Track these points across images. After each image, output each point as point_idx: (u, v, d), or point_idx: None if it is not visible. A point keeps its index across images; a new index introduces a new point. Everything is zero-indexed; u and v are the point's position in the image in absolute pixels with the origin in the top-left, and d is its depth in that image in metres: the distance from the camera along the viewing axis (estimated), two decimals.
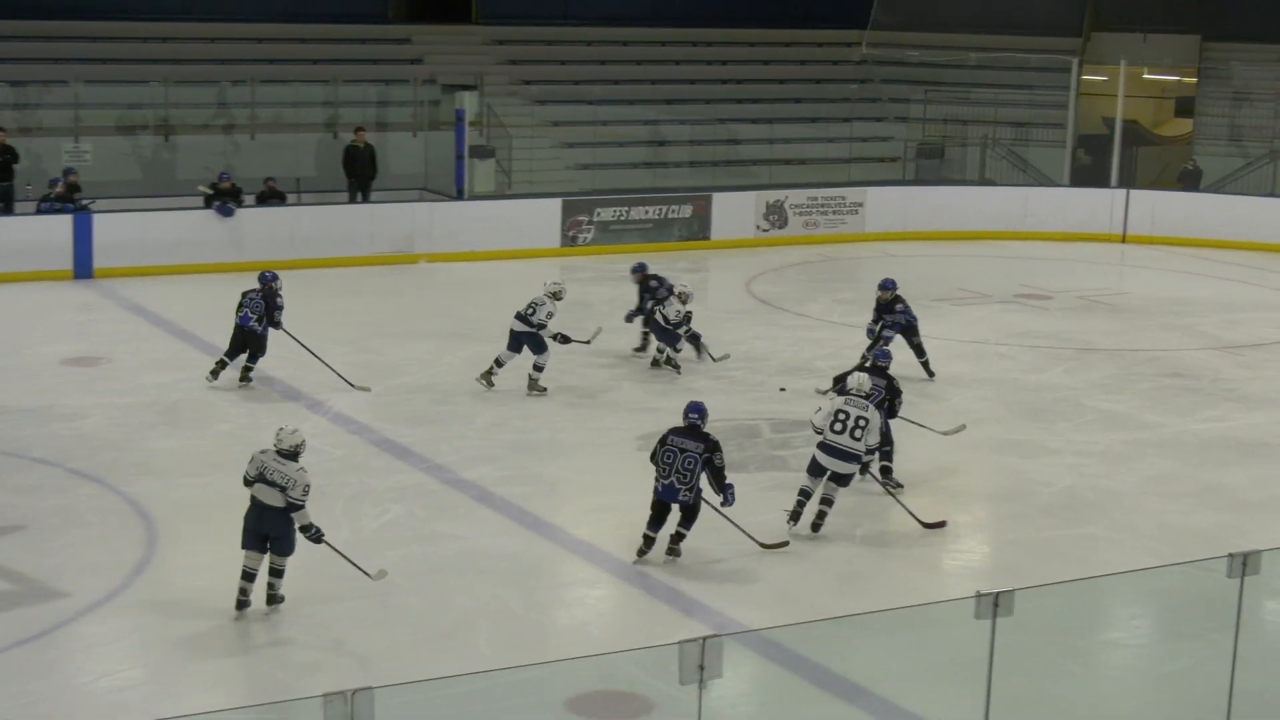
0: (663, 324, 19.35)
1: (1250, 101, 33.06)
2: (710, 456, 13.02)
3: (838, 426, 13.94)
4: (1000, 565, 13.72)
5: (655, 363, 19.64)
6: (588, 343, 18.82)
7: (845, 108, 33.81)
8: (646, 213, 28.05)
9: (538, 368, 18.13)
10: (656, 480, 13.08)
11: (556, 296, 18.17)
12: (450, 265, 25.99)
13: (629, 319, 20.02)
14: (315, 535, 12.01)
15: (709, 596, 12.55)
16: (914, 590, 12.58)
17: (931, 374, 19.16)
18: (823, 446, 13.98)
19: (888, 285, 19.07)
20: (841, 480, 14.04)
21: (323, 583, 12.25)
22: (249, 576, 11.96)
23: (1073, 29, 35.02)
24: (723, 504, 13.18)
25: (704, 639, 7.47)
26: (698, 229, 28.30)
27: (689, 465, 12.97)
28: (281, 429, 12.10)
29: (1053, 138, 32.48)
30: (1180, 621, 11.81)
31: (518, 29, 33.58)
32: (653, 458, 13.20)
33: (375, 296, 23.74)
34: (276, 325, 18.00)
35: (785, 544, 13.57)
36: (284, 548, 11.96)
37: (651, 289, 19.72)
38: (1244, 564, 8.15)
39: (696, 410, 13.21)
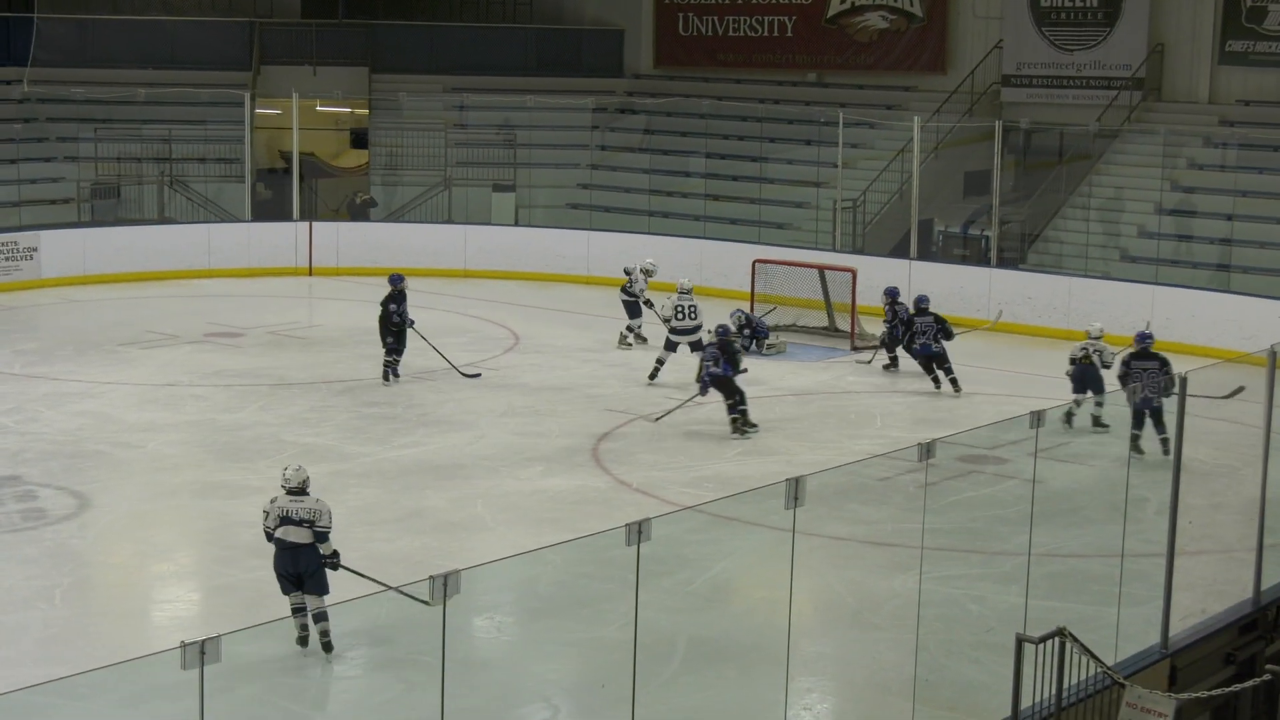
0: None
1: (420, 131, 34.39)
2: (1169, 371, 17.77)
3: (680, 315, 22.12)
4: (211, 611, 13.56)
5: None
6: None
7: (11, 149, 32.32)
8: None
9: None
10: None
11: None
12: None
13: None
14: (334, 561, 12.16)
15: None
16: (122, 648, 12.18)
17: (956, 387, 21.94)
18: (673, 330, 22.11)
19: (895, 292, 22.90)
20: (697, 347, 21.44)
21: None
22: (299, 611, 12.06)
23: (242, 63, 35.21)
24: None
25: None
26: None
27: (1155, 380, 17.58)
28: (286, 468, 12.38)
29: (231, 173, 32.50)
30: (393, 648, 12.14)
31: None
32: (1122, 379, 18.38)
33: None
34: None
35: None
36: (320, 585, 12.04)
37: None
38: (445, 585, 8.40)
39: (1149, 336, 18.70)
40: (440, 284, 29.53)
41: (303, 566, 12.13)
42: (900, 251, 29.00)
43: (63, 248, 28.94)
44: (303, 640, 12.07)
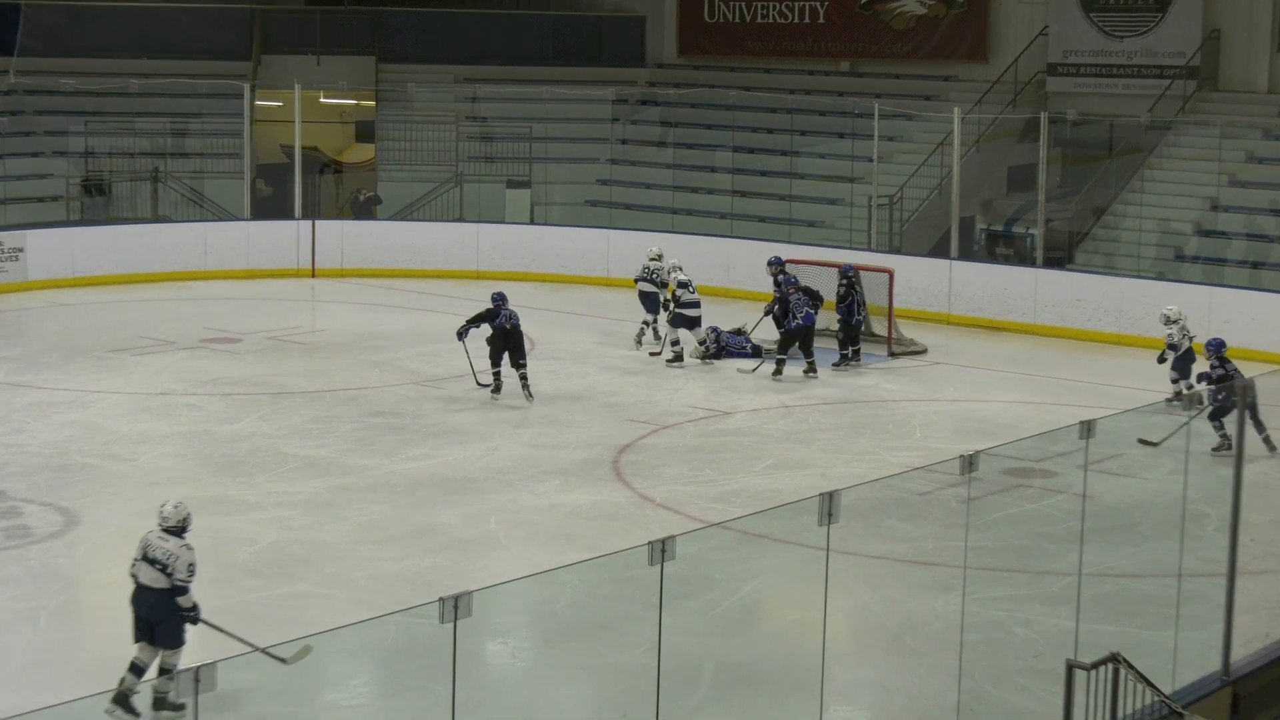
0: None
1: (429, 124, 34.41)
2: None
3: (690, 288, 23.44)
4: (205, 636, 13.44)
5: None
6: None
7: None
8: None
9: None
10: None
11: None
12: None
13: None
14: (194, 616, 11.42)
15: None
16: (112, 674, 12.03)
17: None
18: (685, 305, 23.28)
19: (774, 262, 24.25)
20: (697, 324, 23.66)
21: None
22: (137, 670, 11.30)
23: (242, 53, 35.26)
24: None
25: None
26: None
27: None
28: (165, 504, 11.68)
29: (230, 168, 32.52)
30: (400, 675, 12.04)
31: None
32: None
33: None
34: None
35: None
36: (171, 638, 11.34)
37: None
38: (455, 607, 8.32)
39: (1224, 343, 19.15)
40: (450, 286, 29.52)
41: (146, 611, 11.49)
42: (940, 251, 28.98)
43: (51, 248, 28.97)
44: (122, 699, 11.19)
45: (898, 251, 28.96)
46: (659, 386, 22.32)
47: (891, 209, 30.35)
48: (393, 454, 18.59)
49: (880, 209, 29.92)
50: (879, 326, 24.88)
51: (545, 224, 32.71)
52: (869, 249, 28.93)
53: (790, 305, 22.48)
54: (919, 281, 25.94)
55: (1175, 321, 20.60)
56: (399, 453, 18.68)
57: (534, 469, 18.11)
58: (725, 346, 23.87)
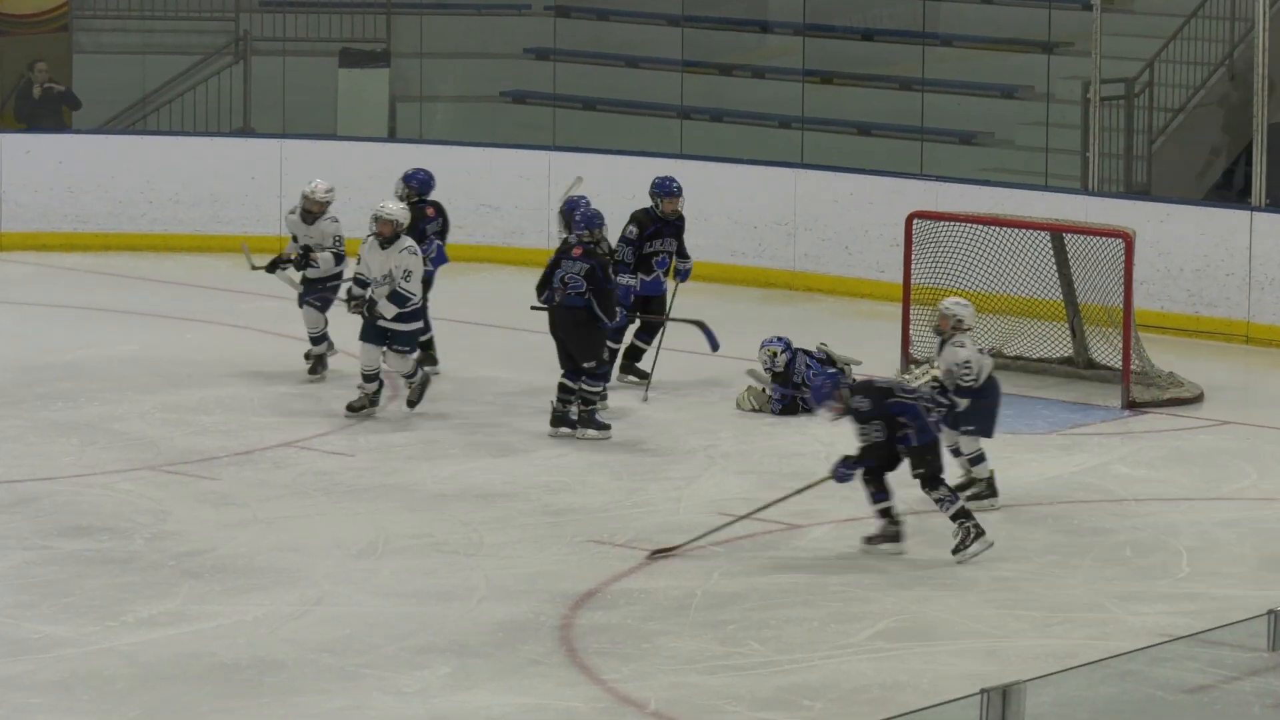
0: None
1: None
2: None
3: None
4: None
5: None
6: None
7: None
8: None
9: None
10: None
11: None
12: None
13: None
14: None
15: None
16: None
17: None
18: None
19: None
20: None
21: None
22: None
23: None
24: None
25: None
26: None
27: None
28: None
29: None
30: None
31: None
32: None
33: None
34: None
35: None
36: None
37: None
38: None
39: None
40: (226, 270, 29.29)
41: None
42: (1227, 194, 28.38)
43: None
44: None
45: (1143, 194, 29.25)
46: (657, 473, 21.94)
47: (1131, 108, 29.51)
48: (110, 613, 18.01)
49: (1106, 109, 29.05)
50: (1105, 348, 24.72)
51: (422, 140, 32.79)
52: (1084, 191, 28.75)
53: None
54: (1187, 256, 24.89)
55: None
56: (123, 610, 18.08)
57: (401, 642, 17.57)
58: (797, 382, 23.56)
